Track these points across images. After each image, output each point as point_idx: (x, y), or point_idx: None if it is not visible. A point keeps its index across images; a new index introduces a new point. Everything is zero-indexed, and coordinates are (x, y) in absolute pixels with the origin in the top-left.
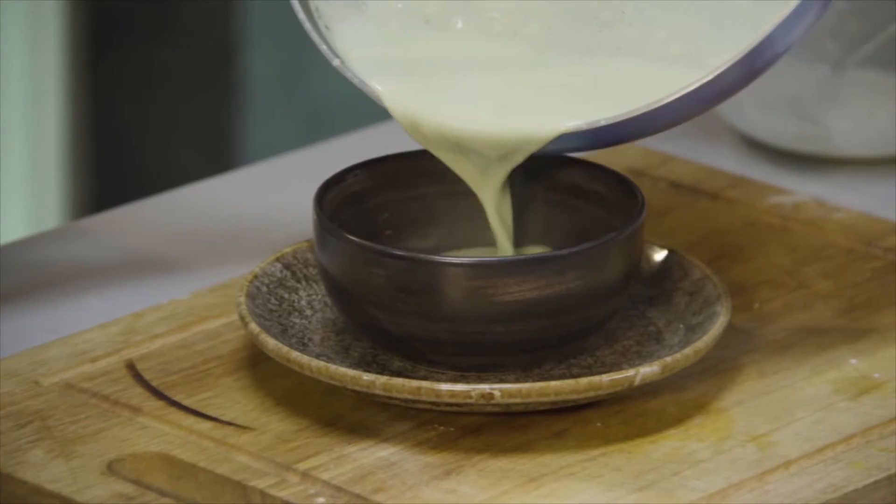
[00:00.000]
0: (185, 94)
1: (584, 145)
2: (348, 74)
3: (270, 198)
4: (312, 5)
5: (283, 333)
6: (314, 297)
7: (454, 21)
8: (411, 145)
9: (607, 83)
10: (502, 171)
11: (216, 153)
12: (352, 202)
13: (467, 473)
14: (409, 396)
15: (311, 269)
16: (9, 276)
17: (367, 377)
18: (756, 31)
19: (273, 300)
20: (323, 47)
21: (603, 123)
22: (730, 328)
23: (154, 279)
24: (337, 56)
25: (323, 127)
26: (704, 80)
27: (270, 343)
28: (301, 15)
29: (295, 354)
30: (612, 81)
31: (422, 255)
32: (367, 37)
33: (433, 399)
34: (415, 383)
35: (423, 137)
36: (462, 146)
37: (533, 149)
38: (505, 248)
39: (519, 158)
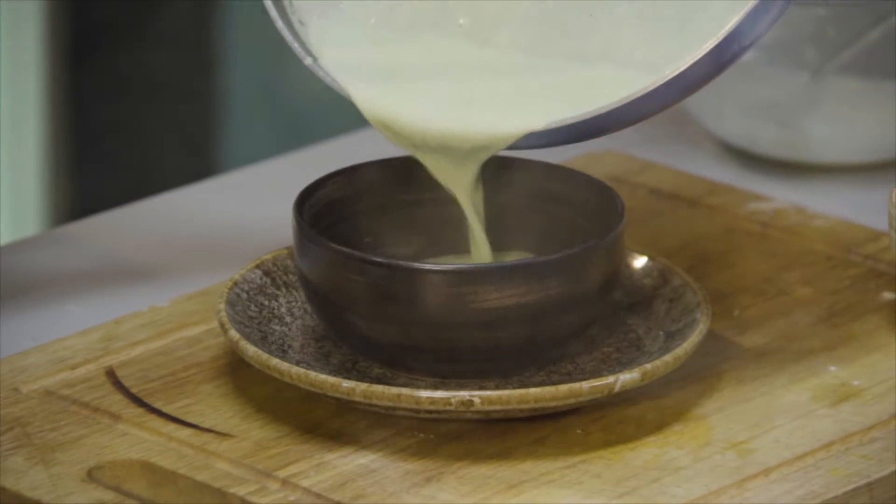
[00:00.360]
0: (164, 101)
1: (562, 139)
2: (320, 73)
3: (250, 205)
4: (286, 2)
5: (262, 340)
6: (294, 303)
7: (425, 26)
8: (391, 153)
9: (575, 85)
10: (472, 168)
11: (196, 160)
12: (331, 209)
13: (447, 480)
14: (389, 403)
15: (291, 276)
16: None
17: (346, 384)
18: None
19: (253, 307)
20: (295, 45)
21: (571, 121)
22: (710, 335)
23: (134, 286)
24: (309, 54)
25: (302, 134)
26: (671, 76)
27: (250, 350)
28: (273, 13)
29: (275, 361)
30: (579, 83)
31: (402, 262)
32: (340, 35)
33: (413, 406)
34: (395, 390)
35: (394, 135)
36: (431, 144)
37: (499, 146)
38: (481, 242)
39: (486, 155)
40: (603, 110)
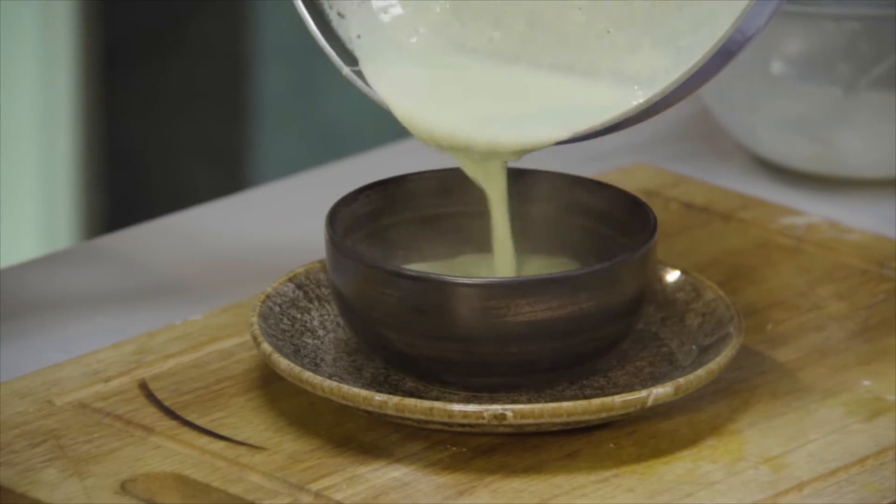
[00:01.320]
0: (196, 113)
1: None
2: (358, 84)
3: (283, 218)
4: None
5: (295, 353)
6: (326, 317)
7: (461, 42)
8: (422, 166)
9: (595, 97)
10: (502, 169)
11: (228, 173)
12: (364, 222)
13: (480, 494)
14: (422, 417)
15: (323, 290)
16: (22, 295)
17: (379, 397)
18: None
19: (285, 320)
20: (332, 54)
21: (592, 131)
22: (743, 349)
23: (167, 299)
24: (347, 61)
25: (334, 147)
26: (683, 80)
27: (283, 363)
28: (308, 19)
29: (307, 374)
30: (599, 95)
31: (434, 276)
32: (380, 47)
33: (445, 419)
34: (427, 404)
35: (430, 140)
36: (466, 151)
37: (528, 152)
38: (503, 242)
39: (516, 157)
40: (620, 119)
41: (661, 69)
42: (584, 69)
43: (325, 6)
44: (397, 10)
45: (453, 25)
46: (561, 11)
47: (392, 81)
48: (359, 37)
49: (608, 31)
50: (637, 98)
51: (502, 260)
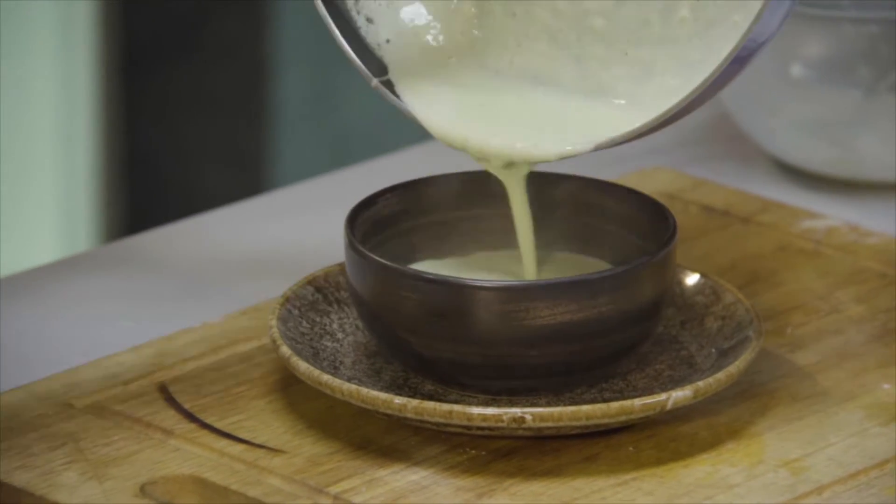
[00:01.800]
0: (215, 116)
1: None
2: (388, 96)
3: (302, 221)
4: (350, 2)
5: (314, 356)
6: (346, 320)
7: (485, 63)
8: (442, 169)
9: (616, 109)
10: (523, 174)
11: (247, 176)
12: (383, 225)
13: (499, 497)
14: (441, 420)
15: (342, 293)
16: (41, 299)
17: (398, 400)
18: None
19: (305, 323)
20: (360, 66)
21: (618, 140)
22: (762, 353)
23: (186, 302)
24: (376, 72)
25: (354, 150)
26: (701, 89)
27: (302, 366)
28: (338, 36)
29: (326, 378)
30: (620, 109)
31: (453, 279)
32: (408, 58)
33: (465, 423)
34: (446, 407)
35: (453, 146)
36: (492, 161)
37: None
38: (525, 236)
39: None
40: (639, 131)
41: (677, 82)
42: (602, 86)
43: (353, 13)
44: (429, 36)
45: (478, 47)
46: (581, 36)
47: (421, 93)
48: (388, 41)
49: (626, 53)
50: (654, 111)
51: (526, 256)
